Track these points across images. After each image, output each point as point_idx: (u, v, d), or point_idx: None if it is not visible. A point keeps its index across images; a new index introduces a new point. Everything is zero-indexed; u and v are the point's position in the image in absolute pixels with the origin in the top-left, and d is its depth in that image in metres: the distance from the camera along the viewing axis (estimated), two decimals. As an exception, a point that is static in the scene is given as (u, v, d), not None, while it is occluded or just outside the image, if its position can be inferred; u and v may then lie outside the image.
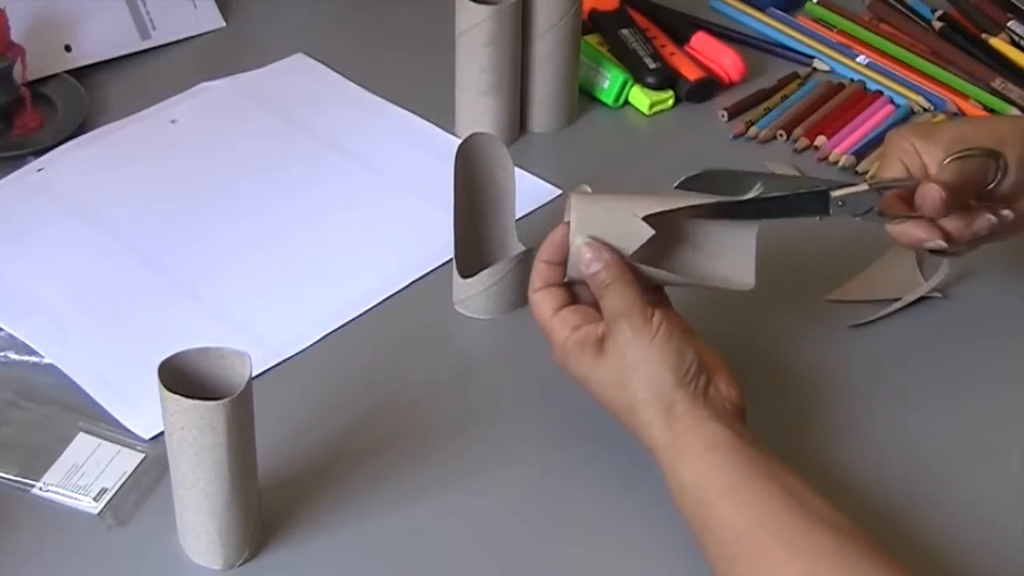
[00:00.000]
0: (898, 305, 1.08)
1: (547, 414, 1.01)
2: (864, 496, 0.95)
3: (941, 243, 0.97)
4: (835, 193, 0.97)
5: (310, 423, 0.99)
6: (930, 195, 0.95)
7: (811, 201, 0.97)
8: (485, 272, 1.06)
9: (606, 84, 1.29)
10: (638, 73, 1.29)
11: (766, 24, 1.39)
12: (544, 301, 0.95)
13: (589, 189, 0.98)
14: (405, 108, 1.27)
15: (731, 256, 0.97)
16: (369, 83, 1.29)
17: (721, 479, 0.86)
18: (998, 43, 1.34)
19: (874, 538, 0.84)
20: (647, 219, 0.93)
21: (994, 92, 1.29)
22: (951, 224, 0.97)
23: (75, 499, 0.94)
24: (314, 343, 1.05)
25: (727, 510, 0.85)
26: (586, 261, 0.93)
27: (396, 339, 1.06)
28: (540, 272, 0.96)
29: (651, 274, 0.94)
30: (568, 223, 0.95)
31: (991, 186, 0.98)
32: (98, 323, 1.06)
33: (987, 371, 1.05)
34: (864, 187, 0.97)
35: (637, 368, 0.90)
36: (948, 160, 0.97)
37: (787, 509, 0.84)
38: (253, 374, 0.85)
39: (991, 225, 0.98)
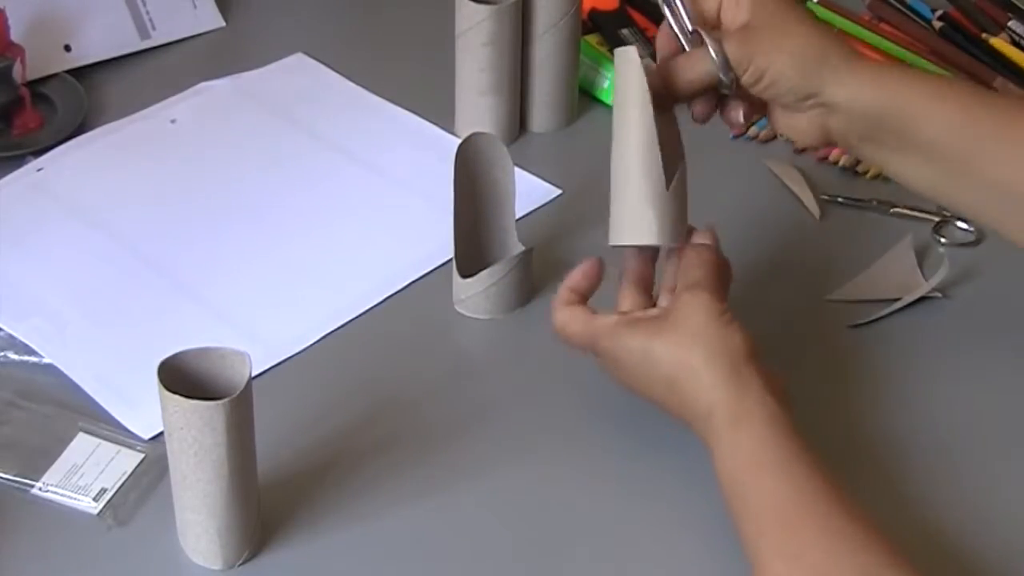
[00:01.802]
0: (898, 305, 1.08)
1: (547, 414, 1.01)
2: (864, 495, 0.95)
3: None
4: None
5: (310, 423, 0.99)
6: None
7: None
8: (485, 272, 1.06)
9: (606, 84, 1.28)
10: (638, 73, 1.29)
11: (766, 24, 1.39)
12: (576, 314, 0.96)
13: None
14: (405, 108, 1.27)
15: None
16: (369, 83, 1.29)
17: (777, 450, 0.88)
18: (998, 43, 1.34)
19: (894, 541, 0.85)
20: None
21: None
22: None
23: (75, 499, 0.94)
24: (314, 343, 1.05)
25: (775, 480, 0.87)
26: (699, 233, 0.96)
27: (396, 339, 1.06)
28: (563, 297, 0.97)
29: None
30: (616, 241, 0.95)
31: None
32: (98, 323, 1.06)
33: (987, 371, 1.05)
34: None
35: (710, 332, 0.91)
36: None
37: (827, 494, 0.86)
38: (253, 374, 0.85)
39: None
